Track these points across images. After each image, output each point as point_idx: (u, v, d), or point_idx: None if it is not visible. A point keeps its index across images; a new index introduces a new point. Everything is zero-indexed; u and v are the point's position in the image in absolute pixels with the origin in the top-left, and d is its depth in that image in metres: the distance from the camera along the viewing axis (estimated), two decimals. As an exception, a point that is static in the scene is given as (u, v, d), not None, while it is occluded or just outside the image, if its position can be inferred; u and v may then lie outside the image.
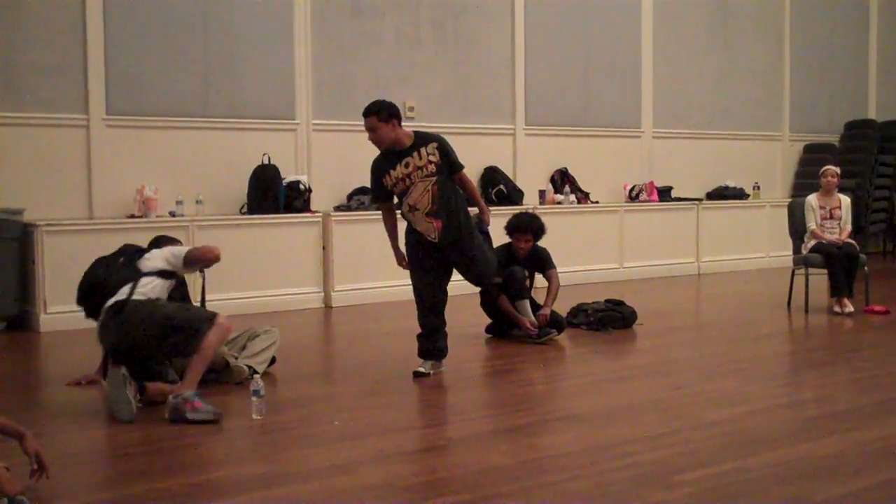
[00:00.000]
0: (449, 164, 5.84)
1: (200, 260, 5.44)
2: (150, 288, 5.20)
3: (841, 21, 13.98)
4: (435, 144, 5.81)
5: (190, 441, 4.64)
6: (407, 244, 5.99)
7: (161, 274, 5.29)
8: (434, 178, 5.74)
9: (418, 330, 6.02)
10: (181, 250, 5.42)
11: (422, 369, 5.92)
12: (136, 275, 5.23)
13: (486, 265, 6.07)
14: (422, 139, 5.83)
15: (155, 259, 5.36)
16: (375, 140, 5.77)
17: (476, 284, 6.36)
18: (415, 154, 5.75)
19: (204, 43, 9.04)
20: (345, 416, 5.08)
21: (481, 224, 6.14)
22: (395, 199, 5.98)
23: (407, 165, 5.74)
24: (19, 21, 8.23)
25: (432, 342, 5.97)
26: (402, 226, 6.06)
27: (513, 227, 7.27)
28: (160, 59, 8.81)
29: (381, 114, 5.72)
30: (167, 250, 5.43)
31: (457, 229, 5.80)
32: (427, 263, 5.90)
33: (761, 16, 13.11)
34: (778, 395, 5.70)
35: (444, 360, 6.05)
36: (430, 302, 5.95)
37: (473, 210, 6.08)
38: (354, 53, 9.84)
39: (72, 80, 8.44)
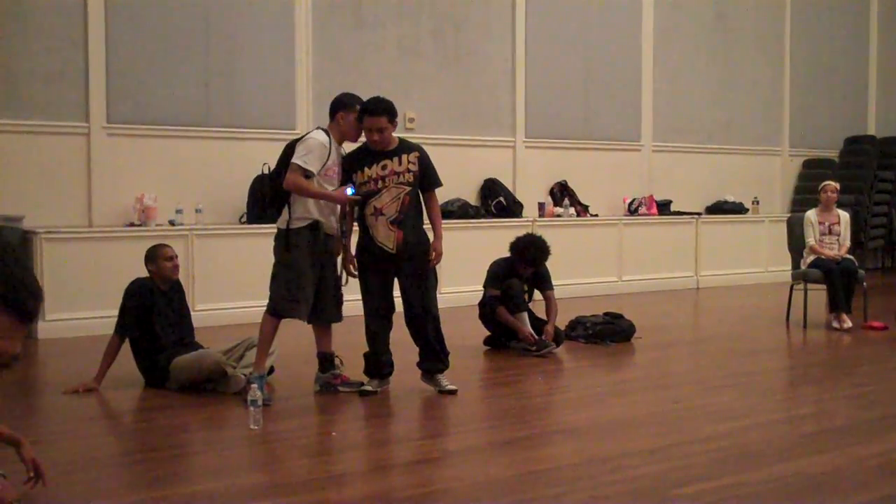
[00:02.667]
0: (426, 178, 5.66)
1: None
2: None
3: (841, 36, 14.01)
4: (417, 154, 5.66)
5: (187, 450, 4.63)
6: (359, 254, 5.71)
7: None
8: (408, 189, 5.57)
9: (408, 342, 5.83)
10: None
11: (369, 388, 5.72)
12: None
13: (434, 298, 5.77)
14: (405, 146, 5.68)
15: None
16: (380, 141, 5.55)
17: (416, 317, 5.71)
18: (395, 158, 5.57)
19: (205, 52, 9.06)
20: (342, 427, 5.08)
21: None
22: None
23: (384, 168, 5.55)
24: (21, 29, 8.24)
25: (379, 363, 5.76)
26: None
27: (522, 258, 7.23)
28: (161, 67, 8.83)
29: (391, 115, 5.56)
30: None
31: (415, 246, 5.61)
32: (380, 277, 5.65)
33: (761, 31, 13.15)
34: (776, 409, 5.70)
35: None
36: (377, 323, 5.68)
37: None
38: (355, 64, 9.86)
39: (73, 88, 8.45)
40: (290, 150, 5.61)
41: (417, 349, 5.81)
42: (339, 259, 5.78)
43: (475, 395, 6.07)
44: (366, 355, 5.79)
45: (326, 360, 5.83)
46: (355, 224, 5.83)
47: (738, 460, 4.43)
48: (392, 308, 5.72)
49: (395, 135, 5.75)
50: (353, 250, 5.78)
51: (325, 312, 5.74)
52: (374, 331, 5.72)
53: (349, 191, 5.51)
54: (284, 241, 5.56)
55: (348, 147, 5.87)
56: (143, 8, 8.73)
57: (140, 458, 4.48)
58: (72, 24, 8.43)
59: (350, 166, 5.64)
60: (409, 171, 5.59)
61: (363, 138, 5.70)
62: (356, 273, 5.74)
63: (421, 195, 5.71)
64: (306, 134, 5.74)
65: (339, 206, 5.68)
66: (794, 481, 4.14)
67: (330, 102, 5.74)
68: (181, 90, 8.95)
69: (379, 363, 5.77)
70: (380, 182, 5.56)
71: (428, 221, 5.78)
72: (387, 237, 5.56)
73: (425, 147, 5.88)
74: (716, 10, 12.62)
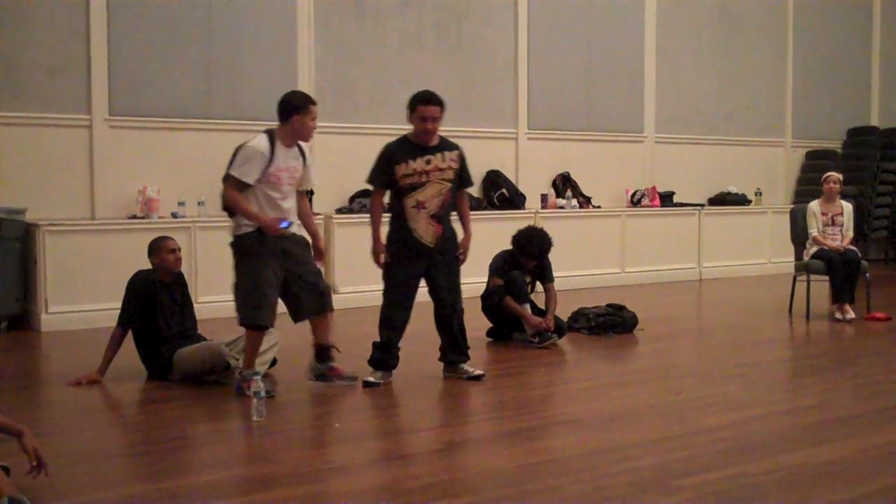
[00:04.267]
0: (462, 178, 5.84)
1: None
2: None
3: (844, 28, 13.97)
4: (457, 152, 5.82)
5: (191, 442, 4.64)
6: (392, 245, 5.78)
7: None
8: (449, 185, 5.72)
9: (416, 333, 5.95)
10: None
11: (372, 379, 5.75)
12: None
13: (460, 293, 5.95)
14: (446, 144, 5.81)
15: None
16: (433, 130, 5.68)
17: (445, 311, 5.90)
18: (438, 155, 5.71)
19: (207, 44, 9.05)
20: (345, 419, 5.08)
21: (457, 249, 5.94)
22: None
23: (429, 162, 5.67)
24: (23, 21, 8.24)
25: (391, 355, 5.82)
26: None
27: (524, 251, 7.22)
28: (163, 59, 8.82)
29: (443, 106, 5.72)
30: None
31: (451, 240, 5.80)
32: (410, 272, 5.76)
33: (764, 22, 13.11)
34: (779, 400, 5.70)
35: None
36: (398, 316, 5.78)
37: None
38: (357, 56, 9.85)
39: (75, 81, 8.45)
40: (237, 154, 5.49)
41: (440, 342, 5.97)
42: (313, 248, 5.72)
43: (478, 387, 6.06)
44: (376, 345, 5.83)
45: (322, 351, 5.82)
46: (385, 216, 5.84)
47: (741, 451, 4.43)
48: (412, 304, 5.82)
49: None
50: (382, 240, 5.82)
51: (304, 307, 5.68)
52: (393, 323, 5.78)
53: (283, 224, 5.39)
54: (236, 250, 5.49)
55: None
56: (145, 0, 8.72)
57: (143, 450, 4.48)
58: (74, 16, 8.42)
59: (393, 158, 5.70)
60: (450, 167, 5.74)
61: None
62: (381, 264, 5.79)
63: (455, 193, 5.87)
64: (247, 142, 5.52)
65: (293, 206, 5.57)
66: (798, 472, 4.15)
67: (279, 103, 5.50)
68: (183, 82, 8.94)
69: (389, 355, 5.81)
70: (423, 176, 5.68)
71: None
72: (427, 231, 5.68)
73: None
74: (719, 0, 12.58)
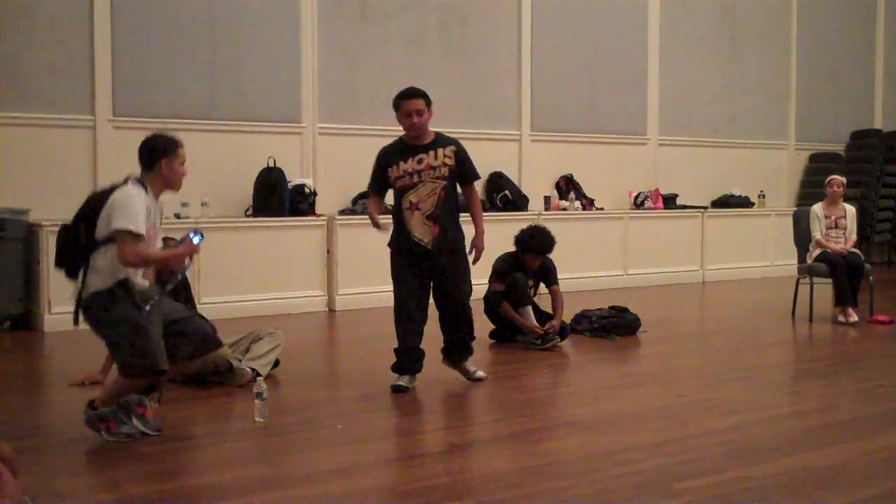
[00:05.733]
0: (463, 173, 5.69)
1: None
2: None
3: (847, 30, 13.97)
4: (453, 148, 5.65)
5: (193, 443, 4.64)
6: (394, 252, 5.71)
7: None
8: (444, 183, 5.56)
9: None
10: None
11: (402, 383, 5.65)
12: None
13: (469, 291, 5.79)
14: (441, 140, 5.67)
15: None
16: (419, 124, 5.55)
17: (451, 309, 5.74)
18: (431, 153, 5.58)
19: (211, 45, 9.06)
20: (348, 420, 5.08)
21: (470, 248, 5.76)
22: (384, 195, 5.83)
23: (420, 162, 5.55)
24: (27, 22, 8.25)
25: (412, 358, 5.68)
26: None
27: (527, 248, 7.22)
28: (167, 60, 8.83)
29: (427, 98, 5.60)
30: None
31: (453, 241, 5.63)
32: (414, 271, 5.62)
33: (768, 24, 13.11)
34: (781, 403, 5.69)
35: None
36: (414, 313, 5.63)
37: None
38: (361, 57, 9.86)
39: (78, 81, 8.46)
40: (95, 203, 4.74)
41: (443, 338, 5.85)
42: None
43: (481, 389, 6.06)
44: (395, 350, 5.73)
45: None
46: (388, 217, 5.71)
47: (743, 454, 4.43)
48: (426, 304, 5.69)
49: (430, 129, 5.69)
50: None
51: (180, 350, 4.89)
52: (406, 327, 5.65)
53: (196, 239, 4.76)
54: (99, 306, 4.69)
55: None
56: (148, 1, 8.73)
57: (146, 451, 4.48)
58: (78, 16, 8.43)
59: (386, 161, 5.62)
60: (444, 164, 5.57)
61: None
62: (382, 227, 5.58)
63: (461, 189, 5.75)
64: (113, 188, 4.75)
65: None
66: (800, 475, 4.14)
67: (141, 148, 4.77)
68: (187, 83, 8.95)
69: (409, 358, 5.68)
70: (415, 176, 5.56)
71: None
72: (423, 232, 5.55)
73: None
74: (722, 3, 12.58)
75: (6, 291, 7.81)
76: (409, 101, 5.54)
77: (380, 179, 5.70)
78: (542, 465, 4.33)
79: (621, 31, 11.75)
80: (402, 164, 5.57)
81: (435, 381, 5.91)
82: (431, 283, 5.70)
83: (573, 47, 11.35)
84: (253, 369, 5.82)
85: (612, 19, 11.65)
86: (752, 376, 6.30)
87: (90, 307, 4.72)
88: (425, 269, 5.64)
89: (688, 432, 4.82)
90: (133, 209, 4.58)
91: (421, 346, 5.70)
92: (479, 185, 10.35)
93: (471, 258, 5.74)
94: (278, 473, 4.18)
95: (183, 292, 6.10)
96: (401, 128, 5.71)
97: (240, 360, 5.85)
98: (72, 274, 4.82)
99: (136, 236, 4.57)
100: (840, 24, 13.85)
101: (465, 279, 5.73)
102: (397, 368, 5.70)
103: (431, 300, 5.78)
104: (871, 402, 5.62)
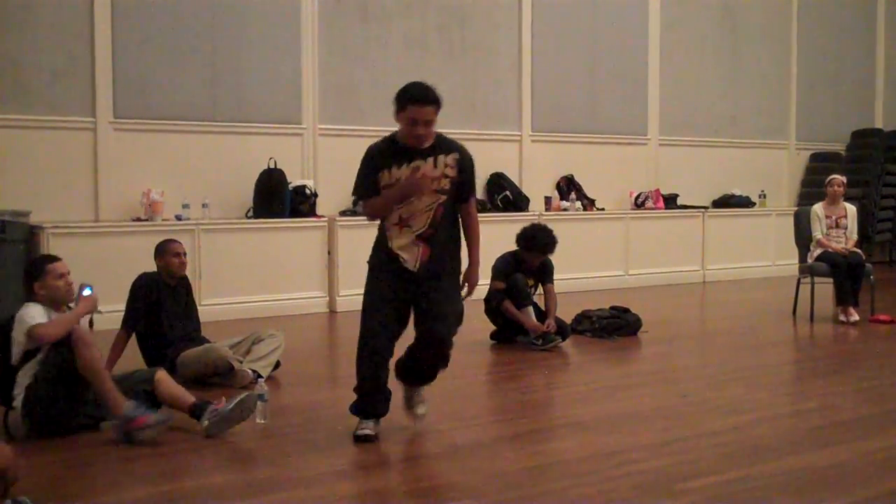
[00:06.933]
0: (462, 186, 4.63)
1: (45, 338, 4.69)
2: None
3: (848, 30, 13.96)
4: (456, 156, 4.60)
5: (194, 445, 4.64)
6: (372, 271, 4.69)
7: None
8: (443, 198, 4.55)
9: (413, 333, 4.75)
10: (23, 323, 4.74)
11: (367, 431, 4.65)
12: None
13: (455, 325, 4.64)
14: (443, 144, 4.60)
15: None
16: (425, 135, 4.50)
17: (431, 345, 4.63)
18: (430, 160, 4.53)
19: (211, 47, 9.06)
20: (349, 421, 5.07)
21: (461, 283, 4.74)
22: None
23: (416, 170, 4.50)
24: (27, 24, 8.25)
25: (378, 399, 4.70)
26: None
27: (529, 246, 7.23)
28: (168, 62, 8.83)
29: (440, 105, 4.49)
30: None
31: (442, 266, 4.60)
32: (392, 297, 4.58)
33: (768, 24, 13.10)
34: (782, 403, 5.69)
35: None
36: (382, 348, 4.57)
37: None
38: (361, 58, 9.86)
39: (79, 83, 8.46)
40: (8, 329, 4.84)
41: (403, 356, 4.79)
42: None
43: (481, 390, 6.08)
44: (357, 390, 4.71)
45: None
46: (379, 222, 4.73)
47: (744, 454, 4.43)
48: (397, 337, 4.67)
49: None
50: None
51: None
52: (371, 363, 4.60)
53: (86, 291, 4.97)
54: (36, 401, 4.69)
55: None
56: (149, 2, 8.73)
57: (147, 453, 4.48)
58: (78, 18, 8.44)
59: (377, 164, 4.58)
60: (445, 176, 4.55)
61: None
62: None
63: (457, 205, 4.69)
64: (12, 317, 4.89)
65: None
66: (801, 475, 4.14)
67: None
68: (188, 85, 8.95)
69: (373, 399, 4.69)
70: None
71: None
72: (409, 252, 4.55)
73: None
74: (722, 3, 12.57)
75: (7, 293, 7.80)
76: (420, 109, 4.43)
77: (371, 184, 4.60)
78: (543, 465, 4.33)
79: (622, 32, 11.75)
80: (394, 169, 4.53)
81: (435, 382, 5.90)
82: (413, 310, 4.66)
83: (573, 48, 11.35)
84: (254, 371, 5.83)
85: (612, 20, 11.65)
86: (752, 376, 6.30)
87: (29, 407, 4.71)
88: (408, 295, 4.60)
89: (689, 432, 4.83)
90: (29, 314, 4.77)
91: (388, 386, 4.71)
92: (479, 186, 10.47)
93: (462, 293, 4.72)
94: (279, 475, 4.18)
95: (184, 295, 6.11)
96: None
97: (241, 362, 5.86)
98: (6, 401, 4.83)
99: (41, 324, 4.73)
100: (840, 23, 13.84)
101: (454, 311, 4.64)
102: (361, 411, 4.71)
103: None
104: (872, 401, 5.62)
